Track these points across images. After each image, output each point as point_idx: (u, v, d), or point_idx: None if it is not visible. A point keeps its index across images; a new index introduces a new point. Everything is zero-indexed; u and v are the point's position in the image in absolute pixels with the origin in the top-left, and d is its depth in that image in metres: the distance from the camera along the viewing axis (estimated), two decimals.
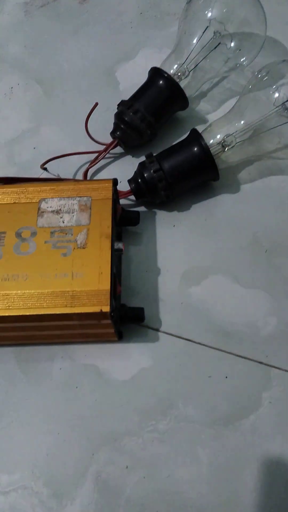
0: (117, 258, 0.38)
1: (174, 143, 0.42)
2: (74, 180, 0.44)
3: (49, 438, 0.35)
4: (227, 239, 0.41)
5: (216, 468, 0.34)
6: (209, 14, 0.45)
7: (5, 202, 0.38)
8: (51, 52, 0.52)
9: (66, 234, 0.36)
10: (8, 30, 0.54)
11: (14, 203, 0.38)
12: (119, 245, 0.36)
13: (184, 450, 0.34)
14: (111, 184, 0.38)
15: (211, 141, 0.41)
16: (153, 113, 0.43)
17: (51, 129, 0.47)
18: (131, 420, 0.35)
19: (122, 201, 0.42)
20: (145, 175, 0.40)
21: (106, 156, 0.45)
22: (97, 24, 0.53)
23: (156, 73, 0.44)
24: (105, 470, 0.34)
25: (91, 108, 0.44)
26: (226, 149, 0.41)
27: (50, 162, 0.44)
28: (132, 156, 0.46)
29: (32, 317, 0.34)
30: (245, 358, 0.37)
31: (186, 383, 0.36)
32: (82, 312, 0.33)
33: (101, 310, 0.33)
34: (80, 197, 0.37)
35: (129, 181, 0.41)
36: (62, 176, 0.44)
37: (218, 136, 0.41)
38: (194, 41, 0.45)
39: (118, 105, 0.44)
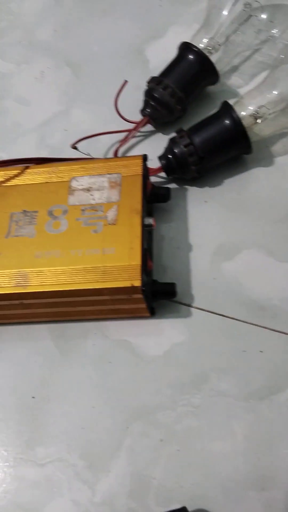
0: (147, 234, 0.38)
1: (205, 117, 0.42)
2: (104, 158, 0.44)
3: (84, 412, 0.35)
4: (261, 213, 0.40)
5: (252, 442, 0.33)
6: None
7: (37, 182, 0.39)
8: (80, 34, 0.52)
9: (96, 211, 0.36)
10: (38, 16, 0.54)
11: (46, 182, 0.39)
12: (149, 221, 0.36)
13: (218, 424, 0.34)
14: (141, 160, 0.38)
15: (243, 113, 0.40)
16: (183, 88, 0.43)
17: (81, 111, 0.48)
18: (164, 394, 0.35)
19: (153, 179, 0.42)
20: (175, 150, 0.40)
21: (136, 134, 0.44)
22: (125, 3, 0.53)
23: (185, 47, 0.43)
24: (139, 443, 0.34)
25: (119, 87, 0.44)
26: (259, 121, 0.40)
27: (81, 143, 0.44)
28: (163, 134, 0.45)
29: (64, 292, 0.34)
30: (279, 332, 0.36)
31: (219, 358, 0.36)
32: (114, 286, 0.34)
33: (132, 284, 0.33)
34: (110, 174, 0.38)
35: (160, 157, 0.41)
36: (93, 156, 0.44)
37: (250, 108, 0.40)
38: (224, 14, 0.44)
39: (148, 82, 0.44)
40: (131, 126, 0.44)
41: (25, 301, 0.35)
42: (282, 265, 0.38)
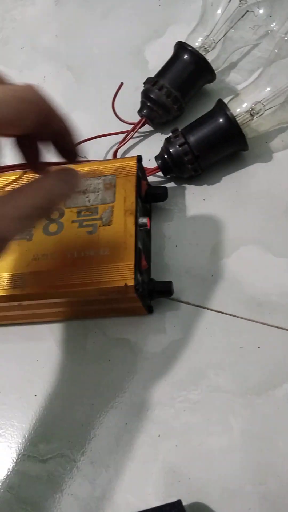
0: (143, 233, 0.38)
1: (200, 116, 0.42)
2: (99, 160, 0.44)
3: (84, 409, 0.36)
4: (259, 209, 0.40)
5: (249, 437, 0.33)
6: None
7: None
8: (81, 38, 0.53)
9: (92, 212, 0.37)
10: (40, 21, 0.55)
11: None
12: (143, 220, 0.37)
13: (215, 419, 0.34)
14: (135, 161, 0.38)
15: (238, 109, 0.40)
16: (179, 88, 0.43)
17: (82, 114, 0.48)
18: (162, 390, 0.36)
19: (152, 179, 0.43)
20: (170, 150, 0.40)
21: (135, 135, 0.45)
22: (125, 5, 0.53)
23: (180, 47, 0.43)
24: (137, 439, 0.35)
25: (121, 90, 0.45)
26: (255, 117, 0.40)
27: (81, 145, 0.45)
28: (161, 133, 0.46)
29: (62, 293, 0.35)
30: (278, 327, 0.36)
31: (217, 354, 0.36)
32: (108, 286, 0.34)
33: (125, 284, 0.34)
34: (105, 176, 0.38)
35: (156, 157, 0.42)
36: (93, 158, 0.45)
37: (245, 105, 0.40)
38: (219, 11, 0.44)
39: (144, 83, 0.44)
40: (130, 127, 0.45)
41: (23, 303, 0.36)
42: (280, 260, 0.38)
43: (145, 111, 0.44)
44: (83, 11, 0.55)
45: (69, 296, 0.35)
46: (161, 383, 0.36)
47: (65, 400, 0.37)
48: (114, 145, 0.46)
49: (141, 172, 0.39)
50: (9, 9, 0.57)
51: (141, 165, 0.39)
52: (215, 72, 0.45)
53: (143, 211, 0.40)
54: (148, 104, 0.43)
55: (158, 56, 0.48)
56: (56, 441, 0.36)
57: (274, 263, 0.38)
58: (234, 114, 0.40)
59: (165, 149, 0.41)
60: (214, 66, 0.44)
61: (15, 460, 0.36)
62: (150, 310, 0.38)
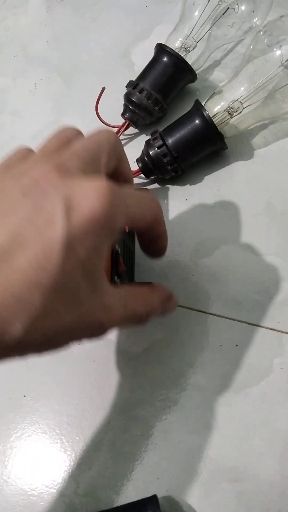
0: (123, 236, 0.39)
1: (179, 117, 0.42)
2: None
3: (69, 409, 0.37)
4: (240, 208, 0.41)
5: (226, 435, 0.34)
6: None
7: None
8: (71, 44, 0.53)
9: None
10: (32, 29, 0.56)
11: None
12: None
13: (194, 417, 0.35)
14: None
15: (216, 108, 0.40)
16: (160, 90, 0.43)
17: (71, 119, 0.49)
18: (144, 390, 0.36)
19: (137, 181, 0.43)
20: (150, 152, 0.41)
21: (120, 138, 0.46)
22: (113, 9, 0.54)
23: (159, 49, 0.44)
24: (120, 438, 0.36)
25: (108, 93, 0.45)
26: (234, 115, 0.40)
27: None
28: (146, 135, 0.46)
29: None
30: (256, 325, 0.36)
31: (196, 353, 0.37)
32: None
33: None
34: None
35: (137, 160, 0.42)
36: None
37: (223, 103, 0.40)
38: (197, 10, 0.44)
39: (126, 86, 0.45)
40: (115, 130, 0.45)
41: None
42: (259, 258, 0.38)
43: (127, 114, 0.44)
44: (74, 16, 0.55)
45: None
46: (142, 382, 0.37)
47: (51, 401, 0.38)
48: None
49: None
50: (3, 18, 0.58)
51: None
52: (198, 71, 0.45)
53: None
54: (130, 107, 0.44)
55: (145, 57, 0.48)
56: (44, 440, 0.37)
57: (253, 261, 0.38)
58: (212, 114, 0.40)
59: (145, 151, 0.41)
60: (196, 66, 0.45)
61: (2, 459, 0.37)
62: None
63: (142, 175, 0.43)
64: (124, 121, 0.45)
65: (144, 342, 0.38)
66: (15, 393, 0.39)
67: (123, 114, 0.45)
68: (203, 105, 0.40)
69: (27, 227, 0.23)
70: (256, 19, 0.45)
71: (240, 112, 0.40)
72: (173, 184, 0.43)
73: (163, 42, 0.45)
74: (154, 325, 0.38)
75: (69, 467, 0.36)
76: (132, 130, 0.47)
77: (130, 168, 0.32)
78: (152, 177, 0.43)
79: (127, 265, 0.38)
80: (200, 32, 0.45)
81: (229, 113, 0.40)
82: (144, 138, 0.46)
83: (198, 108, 0.40)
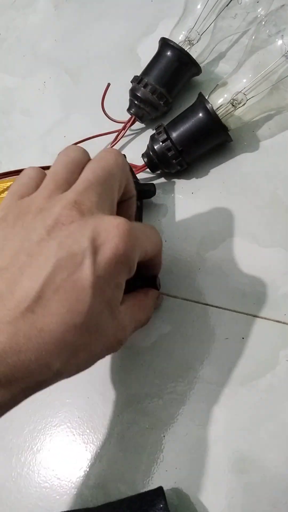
0: None
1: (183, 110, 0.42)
2: None
3: (80, 402, 0.38)
4: (246, 200, 0.40)
5: (232, 427, 0.34)
6: None
7: None
8: (78, 41, 0.54)
9: None
10: (41, 28, 0.57)
11: None
12: None
13: (201, 410, 0.35)
14: None
15: (220, 101, 0.40)
16: (164, 84, 0.43)
17: (79, 116, 0.50)
18: (152, 383, 0.37)
19: (143, 175, 0.44)
20: (155, 147, 0.41)
21: (127, 133, 0.46)
22: (119, 4, 0.54)
23: (163, 43, 0.44)
24: (129, 430, 0.36)
25: (115, 89, 0.46)
26: (238, 107, 0.40)
27: None
28: (153, 130, 0.46)
29: None
30: (262, 318, 0.36)
31: (203, 346, 0.37)
32: None
33: None
34: None
35: (142, 155, 0.42)
36: None
37: (226, 96, 0.40)
38: (200, 3, 0.44)
39: (131, 81, 0.45)
40: (121, 126, 0.46)
41: None
42: (265, 250, 0.38)
43: (133, 109, 0.45)
44: (81, 14, 0.56)
45: None
46: (150, 376, 0.37)
47: (63, 395, 0.39)
48: (107, 145, 0.47)
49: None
50: (13, 18, 0.59)
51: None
52: (202, 64, 0.45)
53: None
54: (136, 102, 0.44)
55: (150, 52, 0.48)
56: (55, 433, 0.38)
57: (259, 254, 0.38)
58: (216, 106, 0.40)
59: (150, 146, 0.41)
60: (200, 58, 0.45)
61: (15, 452, 0.38)
62: None
63: (148, 169, 0.43)
64: (130, 116, 0.45)
65: (151, 336, 0.38)
66: None
67: (129, 109, 0.45)
68: (206, 98, 0.40)
69: (57, 271, 0.25)
70: (260, 9, 0.45)
71: (244, 103, 0.40)
72: (179, 178, 0.43)
73: (161, 37, 0.45)
74: (162, 319, 0.38)
75: (80, 460, 0.36)
76: (138, 125, 0.47)
77: (133, 182, 0.33)
78: (158, 172, 0.43)
79: None
80: (204, 24, 0.44)
81: (233, 105, 0.40)
82: (150, 132, 0.46)
83: (201, 101, 0.40)
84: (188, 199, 0.42)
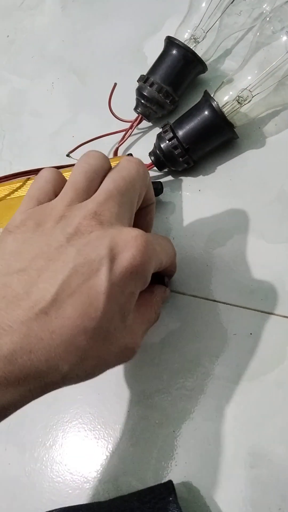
0: None
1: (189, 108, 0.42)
2: None
3: (91, 399, 0.39)
4: (253, 197, 0.41)
5: (241, 422, 0.34)
6: None
7: None
8: (85, 41, 0.54)
9: None
10: (49, 29, 0.57)
11: None
12: None
13: (210, 405, 0.36)
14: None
15: (225, 98, 0.40)
16: (170, 83, 0.43)
17: (87, 116, 0.50)
18: (161, 379, 0.37)
19: (150, 174, 0.43)
20: (161, 145, 0.41)
21: (134, 132, 0.46)
22: (126, 4, 0.54)
23: (168, 42, 0.44)
24: (139, 426, 0.37)
25: (122, 89, 0.46)
26: (243, 104, 0.40)
27: (84, 147, 0.47)
28: (160, 128, 0.47)
29: None
30: (270, 313, 0.37)
31: (212, 342, 0.37)
32: None
33: None
34: None
35: (149, 154, 0.43)
36: None
37: (231, 93, 0.40)
38: (205, 0, 0.44)
39: (137, 80, 0.45)
40: (129, 125, 0.46)
41: None
42: (273, 247, 0.38)
43: (140, 108, 0.45)
44: (87, 14, 0.56)
45: None
46: (160, 372, 0.38)
47: (74, 391, 0.39)
48: (115, 144, 0.47)
49: None
50: (21, 20, 0.60)
51: None
52: (208, 61, 0.45)
53: None
54: (142, 101, 0.44)
55: (157, 51, 0.48)
56: (68, 429, 0.38)
57: (267, 250, 0.38)
58: (222, 103, 0.40)
59: (156, 144, 0.42)
60: (206, 56, 0.45)
61: (28, 447, 0.39)
62: None
63: (155, 168, 0.43)
64: (137, 115, 0.46)
65: (160, 332, 0.39)
66: None
67: (135, 109, 0.45)
68: (212, 95, 0.40)
69: (74, 276, 0.26)
70: (266, 5, 0.45)
71: (250, 100, 0.40)
72: (186, 175, 0.43)
73: (167, 36, 0.45)
74: (170, 315, 0.39)
75: (91, 455, 0.37)
76: (145, 124, 0.47)
77: (153, 189, 0.34)
78: (165, 170, 0.44)
79: None
80: (209, 22, 0.45)
81: (238, 102, 0.40)
82: (157, 131, 0.46)
83: (206, 98, 0.40)
84: (196, 197, 0.42)
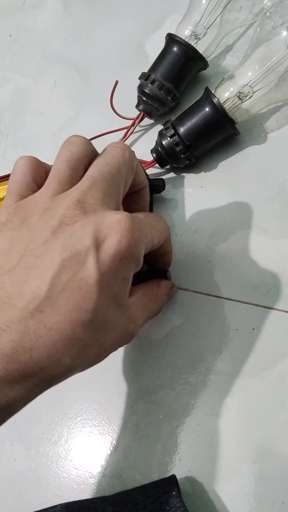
0: None
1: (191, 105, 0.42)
2: None
3: (95, 395, 0.39)
4: (255, 192, 0.41)
5: (244, 417, 0.35)
6: None
7: None
8: (87, 39, 0.54)
9: None
10: (51, 28, 0.57)
11: None
12: None
13: (213, 400, 0.36)
14: None
15: (226, 94, 0.40)
16: (171, 80, 0.44)
17: (89, 114, 0.51)
18: (164, 374, 0.38)
19: (153, 171, 0.44)
20: (163, 142, 0.41)
21: (136, 129, 0.47)
22: (127, 2, 0.54)
23: (169, 39, 0.44)
24: (143, 421, 0.37)
25: (123, 86, 0.46)
26: (244, 100, 0.40)
27: None
28: (162, 125, 0.47)
29: None
30: (271, 308, 0.37)
31: (214, 338, 0.37)
32: None
33: None
34: None
35: (151, 151, 0.43)
36: None
37: (232, 89, 0.40)
38: None
39: (139, 78, 0.45)
40: (130, 122, 0.46)
41: None
42: (274, 242, 0.38)
43: (141, 105, 0.45)
44: (89, 12, 0.56)
45: None
46: (163, 367, 0.38)
47: (79, 388, 0.40)
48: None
49: None
50: (23, 19, 0.60)
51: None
52: (209, 58, 0.45)
53: None
54: (144, 98, 0.45)
55: (158, 48, 0.48)
56: (73, 424, 0.39)
57: (269, 245, 0.39)
58: (223, 100, 0.40)
59: (158, 141, 0.42)
60: (207, 53, 0.45)
61: (34, 443, 0.39)
62: None
63: (157, 165, 0.43)
64: (138, 112, 0.46)
65: (164, 328, 0.39)
66: None
67: (137, 106, 0.46)
68: (213, 92, 0.40)
69: (62, 271, 0.26)
70: (266, 0, 0.45)
71: (251, 96, 0.40)
72: (188, 172, 0.43)
73: (168, 33, 0.45)
74: (173, 311, 0.39)
75: (96, 450, 0.37)
76: (147, 121, 0.47)
77: (143, 172, 0.33)
78: (167, 167, 0.44)
79: None
80: (210, 18, 0.45)
81: (239, 98, 0.40)
82: (159, 128, 0.46)
83: (207, 95, 0.40)
84: (198, 193, 0.42)
